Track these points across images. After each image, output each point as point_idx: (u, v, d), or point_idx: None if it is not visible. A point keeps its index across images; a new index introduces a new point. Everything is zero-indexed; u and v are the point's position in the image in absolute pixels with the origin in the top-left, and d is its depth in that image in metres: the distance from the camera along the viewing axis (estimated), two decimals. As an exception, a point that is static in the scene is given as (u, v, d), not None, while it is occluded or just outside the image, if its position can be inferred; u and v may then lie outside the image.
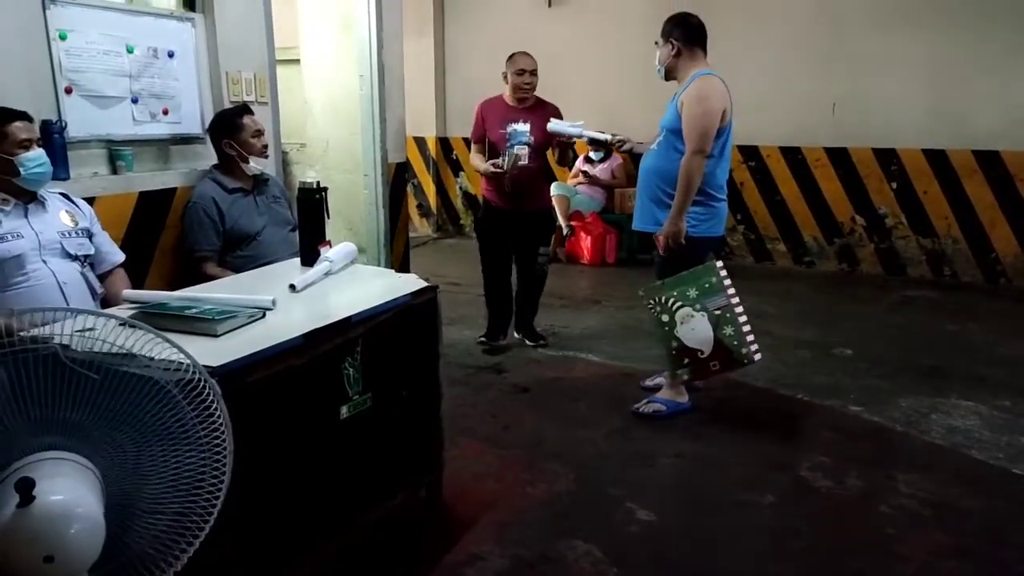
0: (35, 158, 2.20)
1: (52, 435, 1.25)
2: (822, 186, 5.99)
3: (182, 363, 1.32)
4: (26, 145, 2.18)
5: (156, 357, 1.32)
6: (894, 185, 5.78)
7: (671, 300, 2.95)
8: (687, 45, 2.98)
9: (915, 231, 5.78)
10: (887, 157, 5.75)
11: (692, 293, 2.92)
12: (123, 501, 1.31)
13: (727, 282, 2.92)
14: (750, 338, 2.92)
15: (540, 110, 3.77)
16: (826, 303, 5.07)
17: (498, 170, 3.69)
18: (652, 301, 3.00)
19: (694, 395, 3.21)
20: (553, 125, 3.50)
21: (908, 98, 5.57)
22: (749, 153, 6.07)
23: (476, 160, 3.93)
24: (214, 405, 1.32)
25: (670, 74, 3.04)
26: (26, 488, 1.13)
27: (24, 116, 2.23)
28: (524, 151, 3.66)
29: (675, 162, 2.92)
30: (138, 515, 1.32)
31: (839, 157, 5.89)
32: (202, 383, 1.31)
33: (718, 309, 2.90)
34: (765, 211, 6.20)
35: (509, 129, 3.70)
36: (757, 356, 2.94)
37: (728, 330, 2.90)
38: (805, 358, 3.87)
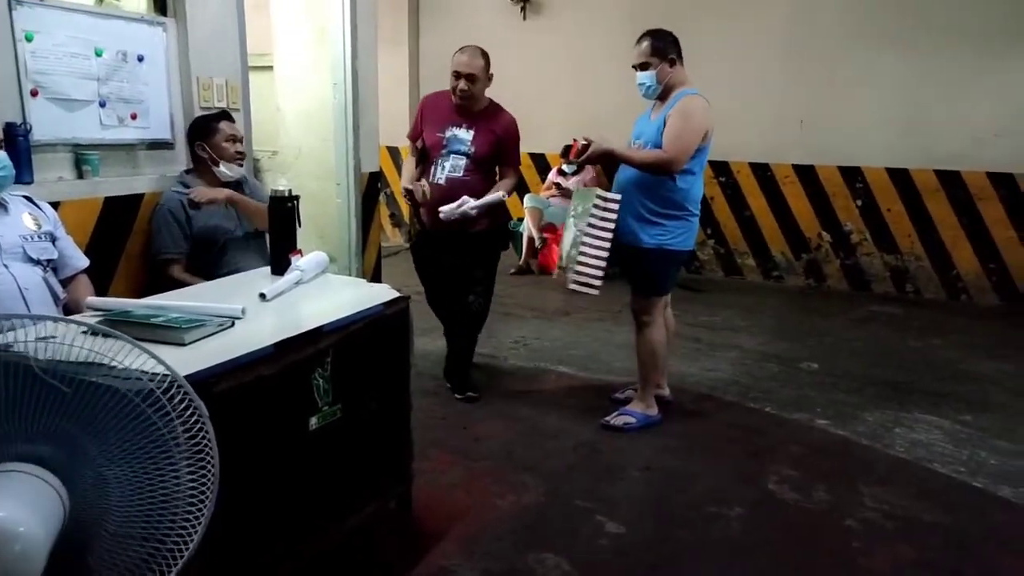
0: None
1: (17, 446, 1.21)
2: (790, 202, 6.10)
3: (154, 374, 1.28)
4: None
5: (121, 366, 1.29)
6: (859, 202, 5.90)
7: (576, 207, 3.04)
8: (680, 62, 2.97)
9: (879, 248, 5.90)
10: (853, 175, 5.88)
11: (579, 209, 3.01)
12: (91, 522, 1.26)
13: (593, 213, 2.94)
14: (580, 268, 2.95)
15: (493, 119, 3.22)
16: (794, 318, 5.14)
17: (410, 196, 3.17)
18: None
19: (663, 407, 3.24)
20: (456, 208, 3.06)
21: (873, 118, 5.70)
22: (720, 168, 6.15)
23: (405, 167, 3.42)
24: (193, 419, 1.27)
25: (663, 93, 2.97)
26: None
27: None
28: (460, 163, 3.17)
29: (658, 178, 2.91)
30: (104, 537, 1.26)
31: (807, 174, 6.00)
32: (182, 395, 1.26)
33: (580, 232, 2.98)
34: (735, 226, 6.29)
35: (448, 134, 3.18)
36: (571, 285, 3.01)
37: (572, 251, 2.99)
38: (773, 372, 3.92)
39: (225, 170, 2.91)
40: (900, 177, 5.73)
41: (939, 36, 5.41)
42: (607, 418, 3.16)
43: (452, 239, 3.23)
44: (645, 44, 2.94)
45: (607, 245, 2.91)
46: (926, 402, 3.53)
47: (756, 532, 2.44)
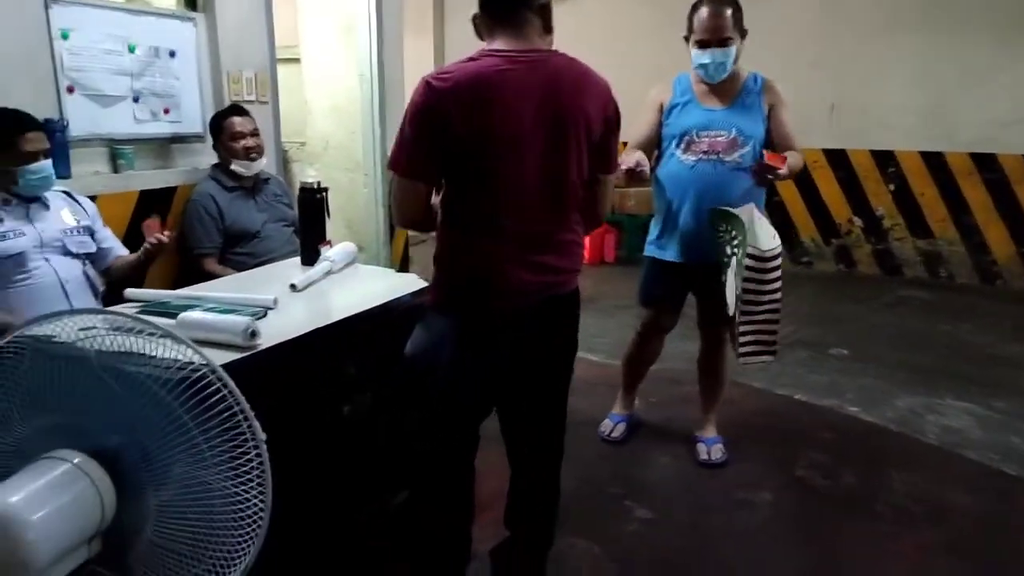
0: (37, 171, 2.18)
1: (73, 438, 1.24)
2: (820, 187, 6.02)
3: (188, 363, 1.30)
4: (31, 157, 2.16)
5: (159, 356, 1.32)
6: (891, 187, 5.80)
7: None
8: None
9: (912, 232, 5.80)
10: (885, 159, 5.78)
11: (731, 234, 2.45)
12: (133, 523, 1.27)
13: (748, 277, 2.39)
14: (747, 338, 2.46)
15: None
16: (823, 303, 5.08)
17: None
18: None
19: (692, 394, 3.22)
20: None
21: (906, 100, 5.59)
22: (747, 154, 6.08)
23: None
24: (236, 418, 1.24)
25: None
26: None
27: (39, 126, 2.22)
28: None
29: (753, 182, 2.48)
30: (143, 542, 1.26)
31: (837, 159, 5.91)
32: (218, 386, 1.25)
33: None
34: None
35: None
36: (741, 361, 2.53)
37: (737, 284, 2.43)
38: (802, 358, 3.89)
39: (238, 168, 2.91)
40: (934, 160, 5.62)
41: (972, 16, 5.29)
42: (703, 457, 2.79)
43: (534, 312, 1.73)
44: (728, 14, 2.37)
45: (777, 307, 2.43)
46: (957, 388, 3.48)
47: (785, 518, 2.44)
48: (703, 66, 2.44)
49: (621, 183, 2.24)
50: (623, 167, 2.28)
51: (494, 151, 1.56)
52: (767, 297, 2.40)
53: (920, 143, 5.62)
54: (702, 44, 2.41)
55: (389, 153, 1.64)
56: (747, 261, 2.34)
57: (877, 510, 2.47)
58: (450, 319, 1.69)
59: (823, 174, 5.97)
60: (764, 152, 2.41)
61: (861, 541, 2.32)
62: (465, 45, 1.72)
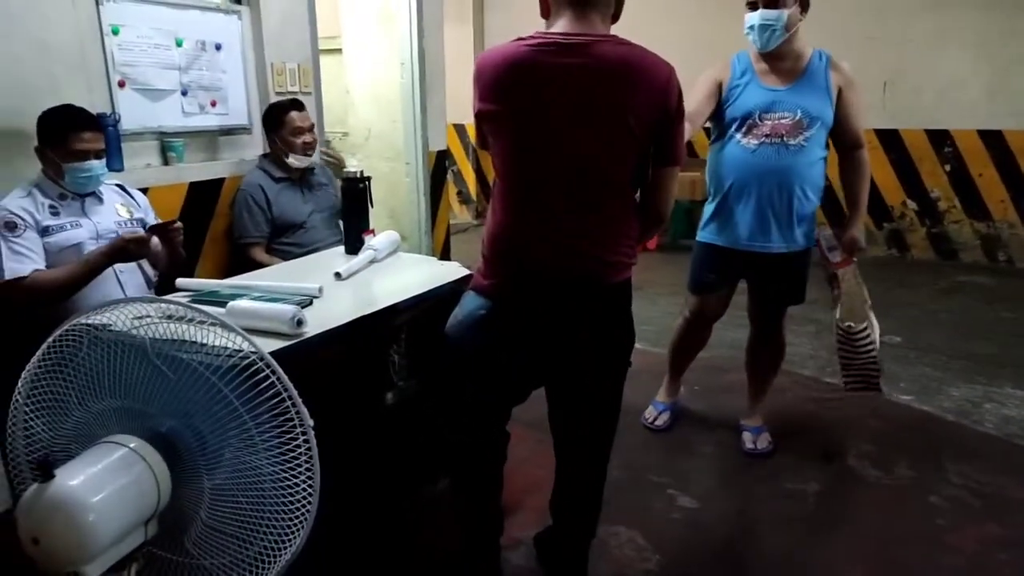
0: (83, 170, 2.19)
1: (132, 422, 1.29)
2: (872, 170, 5.83)
3: (238, 350, 1.32)
4: (81, 156, 2.19)
5: (210, 343, 1.35)
6: (948, 168, 5.61)
7: (869, 311, 2.56)
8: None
9: (969, 215, 5.61)
10: (940, 138, 5.58)
11: (865, 294, 2.58)
12: (190, 506, 1.30)
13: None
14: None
15: None
16: (875, 289, 4.89)
17: None
18: (864, 326, 2.51)
19: (737, 382, 3.18)
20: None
21: (962, 78, 5.40)
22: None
23: None
24: (284, 404, 1.27)
25: (784, 45, 2.35)
26: (42, 467, 1.15)
27: (94, 126, 2.23)
28: None
29: (820, 164, 2.45)
30: (198, 525, 1.30)
31: (890, 139, 5.73)
32: (268, 373, 1.28)
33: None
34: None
35: None
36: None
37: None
38: (852, 345, 3.79)
39: (294, 161, 2.97)
40: (993, 140, 5.41)
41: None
42: (749, 446, 2.76)
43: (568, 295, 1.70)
44: None
45: (875, 355, 2.55)
46: (1017, 376, 3.36)
47: (835, 508, 2.39)
48: (751, 28, 2.33)
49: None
50: None
51: (529, 136, 1.58)
52: (861, 359, 2.54)
53: (978, 121, 5.42)
54: (751, 5, 2.32)
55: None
56: (837, 332, 2.51)
57: (932, 502, 2.40)
58: (489, 303, 1.70)
59: (875, 155, 5.79)
60: (829, 253, 2.52)
61: (915, 533, 2.25)
62: (505, 33, 1.72)
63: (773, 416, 2.93)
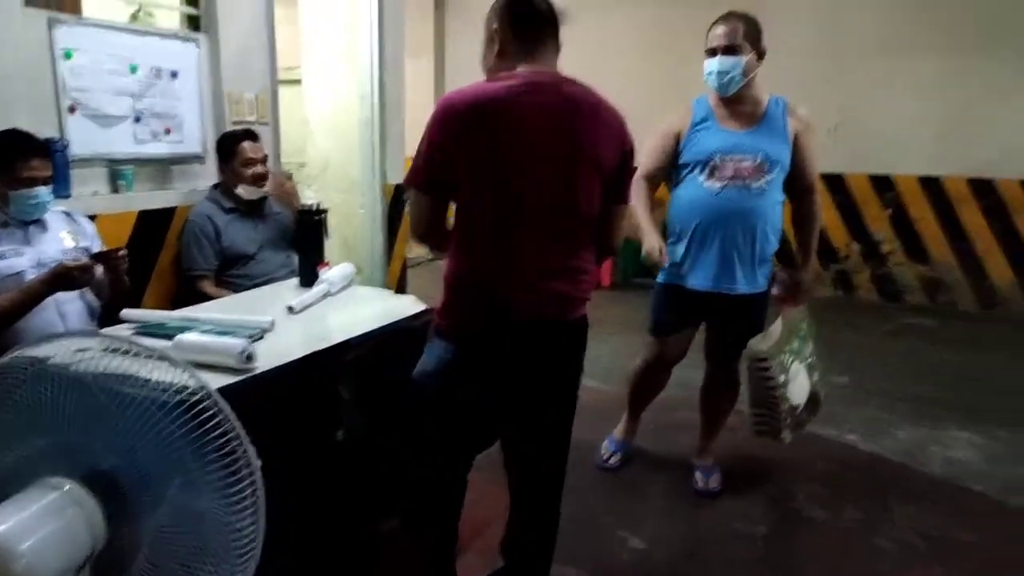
0: (29, 197, 2.13)
1: (66, 460, 1.23)
2: (819, 212, 6.02)
3: (184, 386, 1.28)
4: (27, 183, 2.12)
5: (153, 379, 1.30)
6: (890, 211, 5.82)
7: (788, 356, 2.51)
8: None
9: (911, 257, 5.81)
10: (883, 183, 5.81)
11: (795, 344, 2.57)
12: (128, 548, 1.25)
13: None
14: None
15: None
16: (823, 330, 5.03)
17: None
18: (776, 363, 2.46)
19: (688, 421, 3.20)
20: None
21: (907, 125, 5.62)
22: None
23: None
24: (229, 435, 1.22)
25: (743, 90, 2.41)
26: None
27: (42, 152, 2.17)
28: None
29: (780, 207, 2.52)
30: (138, 567, 1.25)
31: (836, 183, 5.93)
32: (214, 410, 1.23)
33: (809, 356, 2.64)
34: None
35: None
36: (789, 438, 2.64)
37: (816, 375, 2.66)
38: (802, 385, 3.86)
39: (243, 192, 2.91)
40: (932, 186, 5.65)
41: (974, 42, 5.34)
42: (700, 486, 2.76)
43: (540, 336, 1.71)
44: (735, 24, 2.37)
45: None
46: (961, 418, 3.45)
47: (783, 551, 2.41)
48: (710, 74, 2.40)
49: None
50: (645, 250, 2.46)
51: (503, 174, 1.56)
52: (761, 394, 2.52)
53: (922, 166, 5.65)
54: (710, 52, 2.39)
55: (406, 172, 1.64)
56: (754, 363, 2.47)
57: (878, 544, 2.43)
58: (455, 346, 1.67)
59: (822, 198, 5.96)
60: (778, 295, 2.56)
61: None
62: (466, 66, 1.73)
63: (724, 455, 2.95)
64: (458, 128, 1.54)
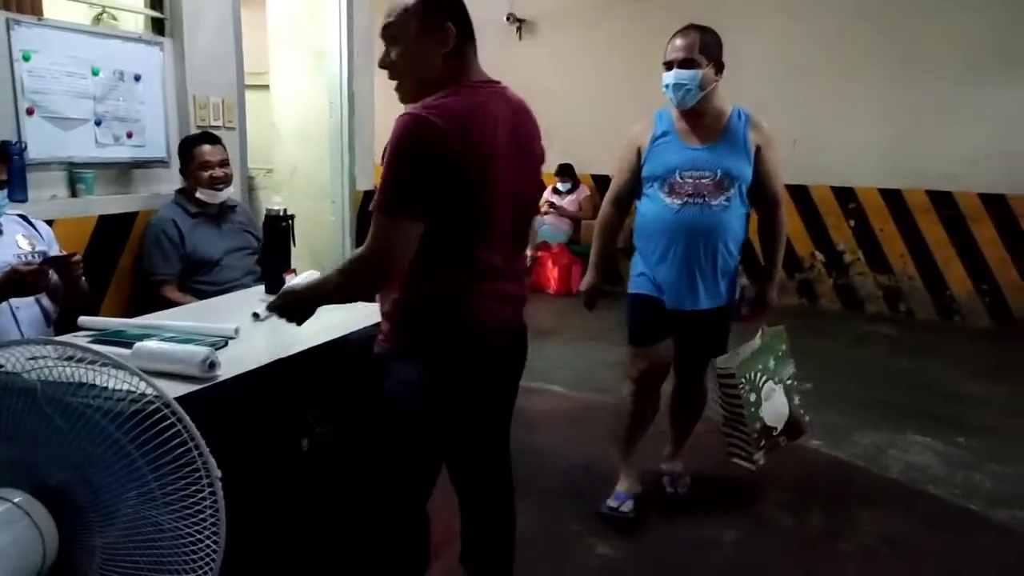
0: None
1: (19, 473, 1.19)
2: (784, 222, 6.12)
3: (141, 395, 1.25)
4: None
5: (111, 388, 1.27)
6: (852, 222, 5.94)
7: (758, 374, 2.52)
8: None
9: (872, 267, 5.93)
10: (846, 195, 5.93)
11: (771, 364, 2.58)
12: (80, 565, 1.22)
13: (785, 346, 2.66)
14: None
15: None
16: (788, 338, 5.13)
17: None
18: (744, 379, 2.48)
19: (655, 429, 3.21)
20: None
21: (867, 138, 5.76)
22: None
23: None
24: (190, 453, 1.19)
25: (700, 109, 2.40)
26: None
27: None
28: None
29: (743, 219, 2.51)
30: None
31: (800, 194, 6.03)
32: (173, 420, 1.20)
33: (789, 378, 2.66)
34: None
35: None
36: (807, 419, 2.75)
37: (796, 399, 2.68)
38: (767, 392, 3.91)
39: (202, 196, 2.85)
40: (893, 197, 5.78)
41: (932, 58, 5.49)
42: (670, 490, 2.80)
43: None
44: (693, 37, 2.34)
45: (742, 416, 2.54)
46: (920, 424, 3.52)
47: (750, 557, 2.43)
48: (667, 87, 2.37)
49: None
50: (582, 287, 2.68)
51: (480, 185, 1.51)
52: (728, 412, 2.57)
53: (878, 180, 5.78)
54: (667, 65, 2.37)
55: (376, 193, 1.46)
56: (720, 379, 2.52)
57: (844, 549, 2.47)
58: (423, 366, 1.59)
59: (787, 208, 6.07)
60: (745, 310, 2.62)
61: (827, 579, 2.31)
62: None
63: (691, 462, 2.97)
64: (440, 146, 1.42)
